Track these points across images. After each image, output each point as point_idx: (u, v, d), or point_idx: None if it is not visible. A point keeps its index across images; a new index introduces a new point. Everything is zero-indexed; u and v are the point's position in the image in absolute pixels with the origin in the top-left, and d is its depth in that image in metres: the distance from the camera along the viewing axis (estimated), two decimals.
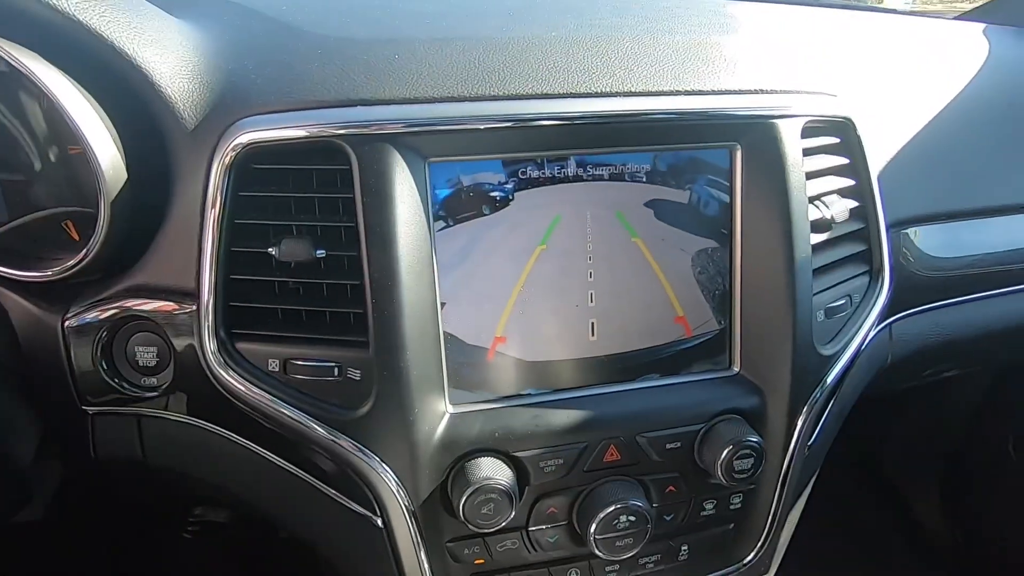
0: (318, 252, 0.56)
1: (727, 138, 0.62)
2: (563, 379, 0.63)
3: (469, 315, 0.60)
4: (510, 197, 0.59)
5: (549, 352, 0.62)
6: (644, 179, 0.61)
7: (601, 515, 0.61)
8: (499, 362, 0.61)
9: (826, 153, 0.67)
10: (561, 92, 0.59)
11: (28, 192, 0.61)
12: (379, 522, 0.61)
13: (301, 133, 0.55)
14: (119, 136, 0.56)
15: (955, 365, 0.99)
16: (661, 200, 0.62)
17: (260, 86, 0.57)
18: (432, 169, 0.57)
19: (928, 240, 0.79)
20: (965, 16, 1.09)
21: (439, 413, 0.59)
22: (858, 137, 0.68)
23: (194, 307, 0.58)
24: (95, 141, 0.54)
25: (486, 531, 0.60)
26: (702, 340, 0.65)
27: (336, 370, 0.57)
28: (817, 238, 0.65)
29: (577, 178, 0.60)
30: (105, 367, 0.61)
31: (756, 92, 0.63)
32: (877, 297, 0.71)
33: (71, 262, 0.57)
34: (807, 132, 0.64)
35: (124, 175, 0.56)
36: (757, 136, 0.62)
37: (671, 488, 0.65)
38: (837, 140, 0.68)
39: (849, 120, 0.67)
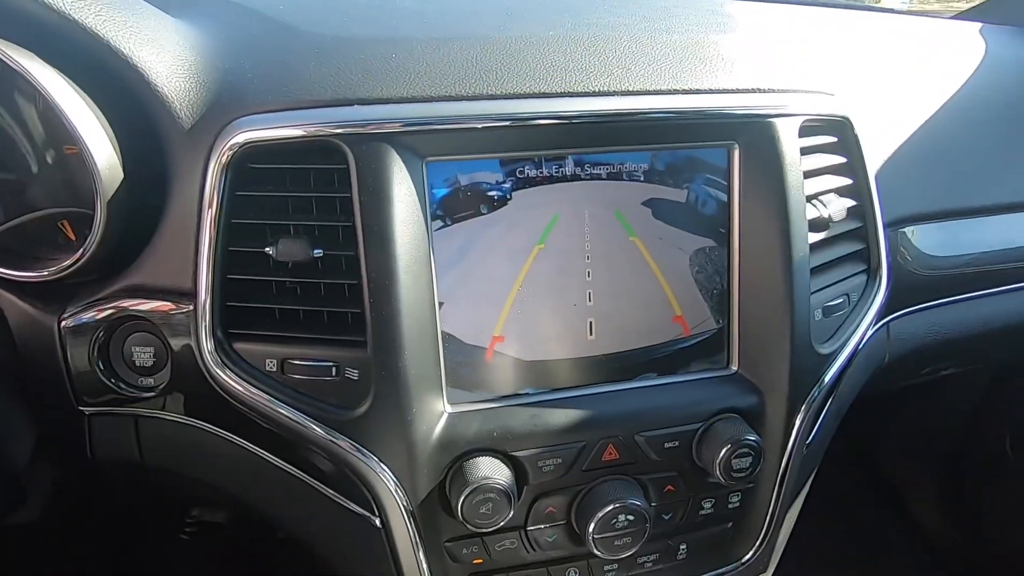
0: (315, 252, 0.56)
1: (725, 137, 0.62)
2: (561, 378, 0.63)
3: (467, 315, 0.59)
4: (508, 196, 0.58)
5: (547, 351, 0.62)
6: (642, 178, 0.61)
7: (600, 514, 0.61)
8: (497, 362, 0.61)
9: (824, 152, 0.67)
10: (559, 91, 0.59)
11: (24, 192, 0.60)
12: (377, 522, 0.61)
13: (298, 132, 0.55)
14: (115, 136, 0.56)
15: (952, 364, 0.99)
16: (659, 199, 0.62)
17: (257, 85, 0.57)
18: (430, 168, 0.57)
19: (925, 239, 0.79)
20: (962, 15, 1.09)
21: (437, 413, 0.59)
22: (855, 136, 0.68)
23: (191, 307, 0.57)
24: (91, 141, 0.54)
25: (484, 531, 0.60)
26: (700, 339, 0.65)
27: (334, 370, 0.57)
28: (815, 237, 0.65)
29: (575, 177, 0.60)
30: (102, 367, 0.60)
31: (754, 91, 0.63)
32: (875, 296, 0.71)
33: (67, 262, 0.57)
34: (805, 131, 0.64)
35: (120, 175, 0.56)
36: (755, 135, 0.62)
37: (670, 487, 0.65)
38: (834, 139, 0.68)
39: (846, 119, 0.67)
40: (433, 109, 0.56)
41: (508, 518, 0.58)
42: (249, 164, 0.56)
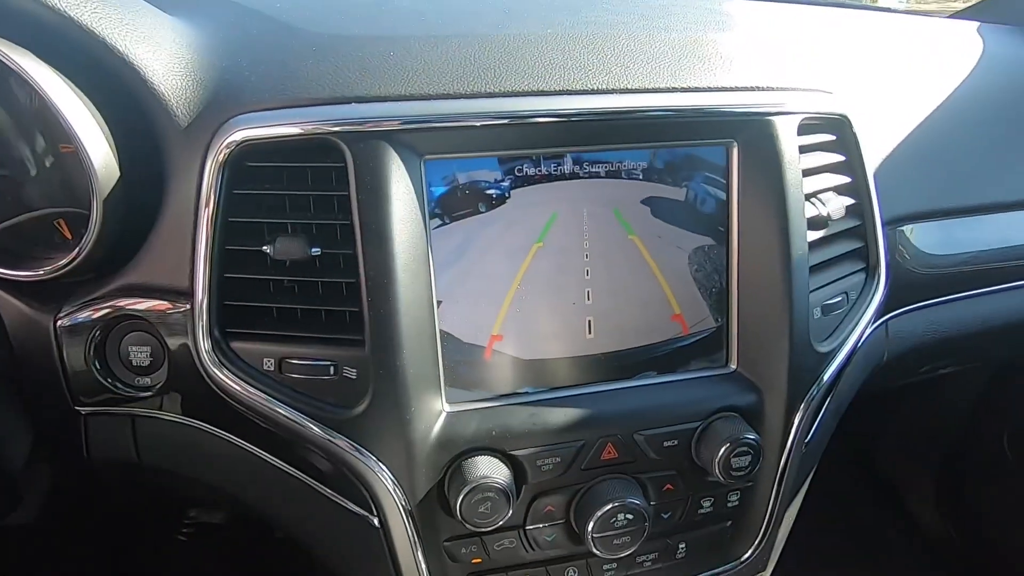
0: (313, 250, 0.56)
1: (724, 135, 0.62)
2: (560, 377, 0.63)
3: (465, 313, 0.59)
4: (506, 194, 0.58)
5: (546, 350, 0.62)
6: (641, 176, 0.61)
7: (599, 513, 0.61)
8: (496, 360, 0.61)
9: (822, 150, 0.67)
10: (557, 89, 0.58)
11: (20, 191, 0.60)
12: (376, 521, 0.61)
13: (296, 130, 0.54)
14: (112, 134, 0.55)
15: (951, 362, 1.00)
16: (658, 197, 0.61)
17: (254, 83, 0.57)
18: (428, 166, 0.56)
19: (923, 237, 0.79)
20: (959, 15, 1.09)
21: (435, 412, 0.59)
22: (854, 134, 0.68)
23: (188, 306, 0.57)
24: (87, 139, 0.54)
25: (483, 530, 0.60)
26: (699, 338, 0.65)
27: (332, 369, 0.57)
28: (813, 235, 0.65)
29: (574, 175, 0.59)
30: (98, 367, 0.60)
31: (752, 89, 0.63)
32: (873, 294, 0.71)
33: (63, 261, 0.57)
34: (803, 129, 0.64)
35: (117, 173, 0.55)
36: (754, 133, 0.62)
37: (669, 486, 0.65)
38: (833, 137, 0.68)
39: (845, 117, 0.67)
40: (431, 107, 0.56)
41: (507, 517, 0.58)
42: (246, 162, 0.56)
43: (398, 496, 0.59)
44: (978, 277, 0.83)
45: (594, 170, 0.60)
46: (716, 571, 0.72)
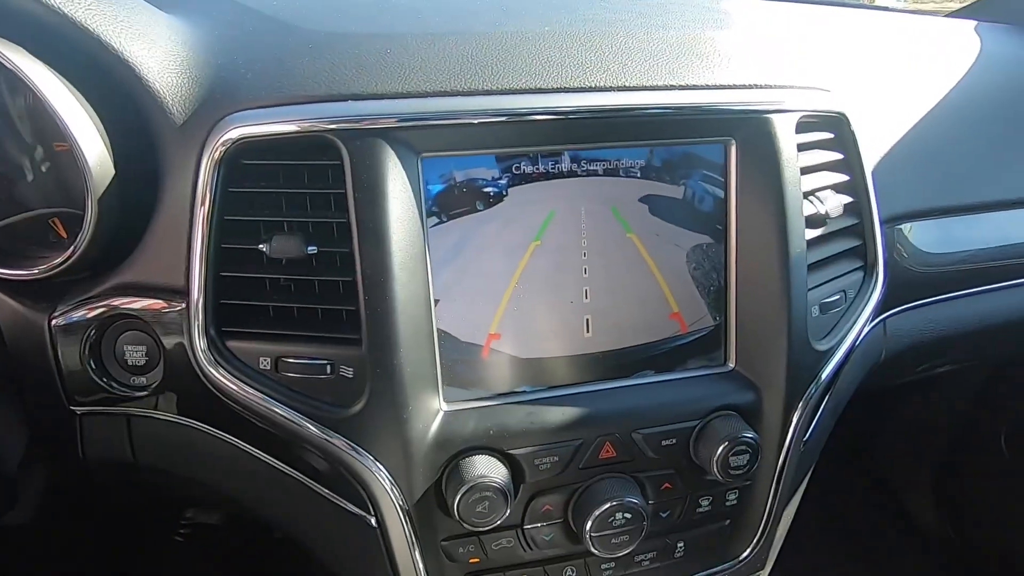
0: (310, 249, 0.55)
1: (722, 133, 0.62)
2: (558, 376, 0.62)
3: (463, 312, 0.59)
4: (504, 192, 0.58)
5: (544, 349, 0.62)
6: (639, 174, 0.61)
7: (597, 512, 0.61)
8: (493, 359, 0.60)
9: (820, 148, 0.67)
10: (555, 87, 0.58)
11: (14, 190, 0.60)
12: (373, 521, 0.60)
13: (292, 128, 0.54)
14: (106, 132, 0.55)
15: (949, 360, 1.00)
16: (656, 195, 0.61)
17: (250, 81, 0.57)
18: (425, 164, 0.56)
19: (922, 236, 0.79)
20: (956, 14, 1.09)
21: (433, 411, 0.58)
22: (852, 132, 0.68)
23: (183, 305, 0.57)
24: (82, 137, 0.53)
25: (481, 530, 0.59)
26: (697, 336, 0.65)
27: (328, 368, 0.57)
28: (812, 233, 0.65)
29: (571, 173, 0.59)
30: (93, 366, 0.60)
31: (751, 87, 0.63)
32: (871, 292, 0.71)
33: (58, 260, 0.56)
34: (801, 127, 0.64)
35: (112, 171, 0.55)
36: (752, 131, 0.61)
37: (667, 485, 0.65)
38: (831, 135, 0.68)
39: (843, 115, 0.67)
40: (428, 104, 0.56)
41: (505, 517, 0.58)
42: (242, 160, 0.55)
43: (395, 495, 0.58)
44: (976, 275, 0.83)
45: (592, 168, 0.60)
46: (714, 570, 0.72)
